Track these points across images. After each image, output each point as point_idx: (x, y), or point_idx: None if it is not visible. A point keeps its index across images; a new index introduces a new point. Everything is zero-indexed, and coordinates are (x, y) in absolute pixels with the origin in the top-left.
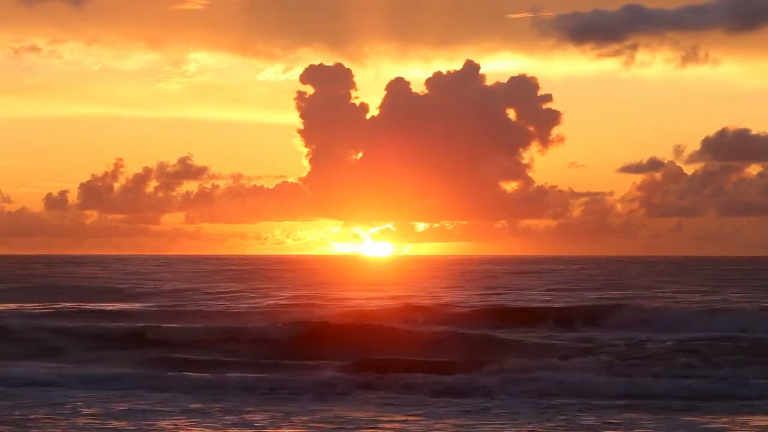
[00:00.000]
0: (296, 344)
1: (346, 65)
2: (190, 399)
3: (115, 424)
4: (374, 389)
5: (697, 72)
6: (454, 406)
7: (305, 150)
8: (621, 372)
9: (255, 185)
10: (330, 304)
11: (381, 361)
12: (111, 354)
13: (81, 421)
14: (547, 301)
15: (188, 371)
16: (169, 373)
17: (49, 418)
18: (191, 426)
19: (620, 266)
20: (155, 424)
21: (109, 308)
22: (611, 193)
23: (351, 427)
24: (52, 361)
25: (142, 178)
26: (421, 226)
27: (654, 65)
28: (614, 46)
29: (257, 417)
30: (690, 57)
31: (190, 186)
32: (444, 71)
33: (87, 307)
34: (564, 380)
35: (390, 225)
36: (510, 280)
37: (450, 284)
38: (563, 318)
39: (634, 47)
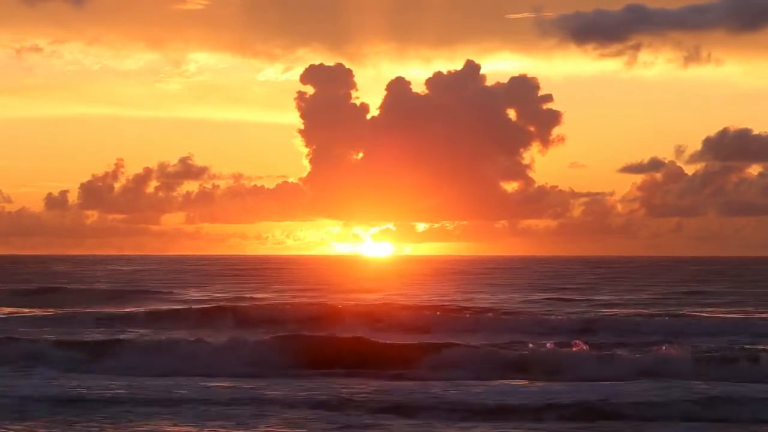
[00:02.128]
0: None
1: (346, 65)
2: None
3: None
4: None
5: (698, 72)
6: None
7: (305, 150)
8: None
9: (255, 185)
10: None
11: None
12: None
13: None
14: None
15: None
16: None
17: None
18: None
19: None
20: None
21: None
22: (612, 193)
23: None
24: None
25: (142, 179)
26: (421, 226)
27: (656, 65)
28: (616, 46)
29: (242, 416)
30: (692, 57)
31: (191, 186)
32: (444, 71)
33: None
34: None
35: (390, 225)
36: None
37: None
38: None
39: (637, 47)
